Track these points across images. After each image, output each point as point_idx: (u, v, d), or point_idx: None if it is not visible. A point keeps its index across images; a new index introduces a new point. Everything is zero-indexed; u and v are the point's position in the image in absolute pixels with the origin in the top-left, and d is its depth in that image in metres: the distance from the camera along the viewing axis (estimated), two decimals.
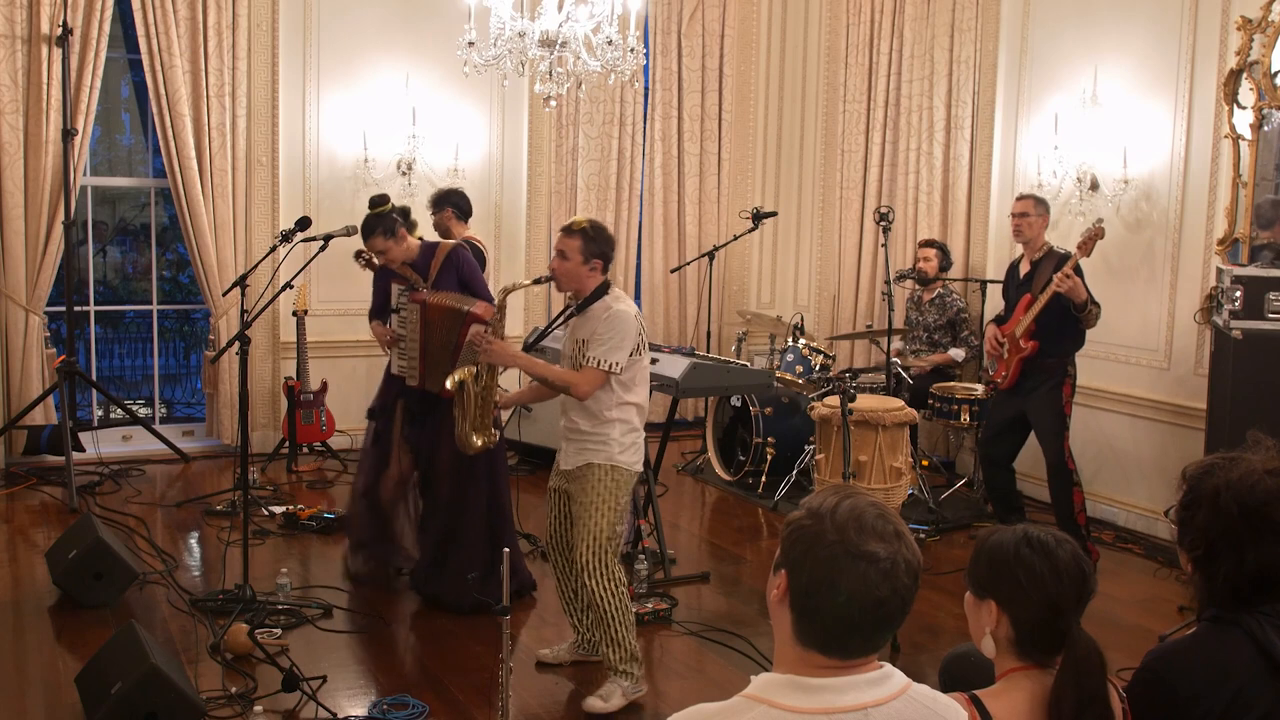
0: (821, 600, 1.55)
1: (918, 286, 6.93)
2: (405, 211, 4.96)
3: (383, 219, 4.70)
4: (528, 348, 4.26)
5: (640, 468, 3.95)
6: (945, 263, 6.84)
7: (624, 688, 3.84)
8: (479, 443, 4.13)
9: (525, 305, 7.89)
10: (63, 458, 6.12)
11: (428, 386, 4.71)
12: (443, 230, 6.11)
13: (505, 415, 4.28)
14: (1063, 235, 6.13)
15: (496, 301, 4.05)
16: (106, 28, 6.46)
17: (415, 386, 4.75)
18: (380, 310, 5.04)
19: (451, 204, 6.16)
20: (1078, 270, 5.15)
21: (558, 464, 4.02)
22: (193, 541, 5.54)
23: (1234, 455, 2.11)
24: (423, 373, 4.71)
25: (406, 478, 4.93)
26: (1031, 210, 5.47)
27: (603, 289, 3.87)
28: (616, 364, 3.75)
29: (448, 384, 4.10)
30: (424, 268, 4.78)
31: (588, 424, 3.84)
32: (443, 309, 4.64)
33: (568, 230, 3.86)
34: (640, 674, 3.89)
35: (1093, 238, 5.18)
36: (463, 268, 4.79)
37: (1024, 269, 5.56)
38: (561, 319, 4.09)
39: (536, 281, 4.18)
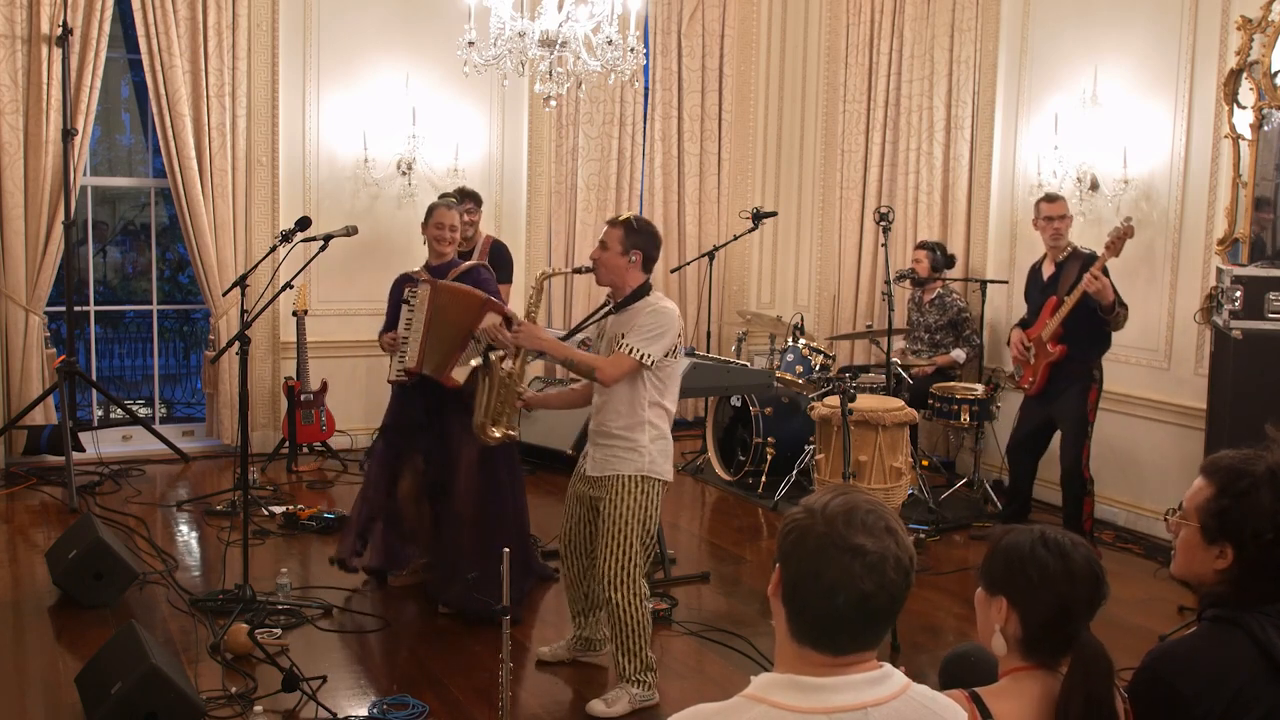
0: (807, 592, 1.55)
1: (915, 289, 6.92)
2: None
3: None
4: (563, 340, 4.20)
5: (670, 477, 3.86)
6: (939, 262, 6.79)
7: (633, 695, 3.80)
8: (497, 434, 4.05)
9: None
10: (63, 458, 6.11)
11: (424, 370, 4.63)
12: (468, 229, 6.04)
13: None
14: None
15: (535, 285, 3.98)
16: (106, 28, 6.46)
17: (412, 369, 4.63)
18: (391, 328, 4.92)
19: (479, 202, 6.13)
20: (1105, 272, 5.10)
21: (581, 469, 3.95)
22: (193, 541, 5.54)
23: (1257, 450, 2.10)
24: (421, 356, 4.62)
25: (419, 491, 4.84)
26: (1068, 211, 5.42)
27: (644, 290, 3.80)
28: (649, 356, 3.67)
29: (472, 361, 4.05)
30: (443, 272, 4.73)
31: (619, 424, 3.75)
32: (458, 292, 4.59)
33: (612, 221, 3.83)
34: (653, 682, 3.86)
35: (1121, 237, 5.08)
36: (481, 286, 4.69)
37: (1048, 271, 5.50)
38: (598, 316, 4.01)
39: (577, 270, 4.16)
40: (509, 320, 4.43)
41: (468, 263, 4.84)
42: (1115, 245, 5.09)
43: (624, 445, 3.76)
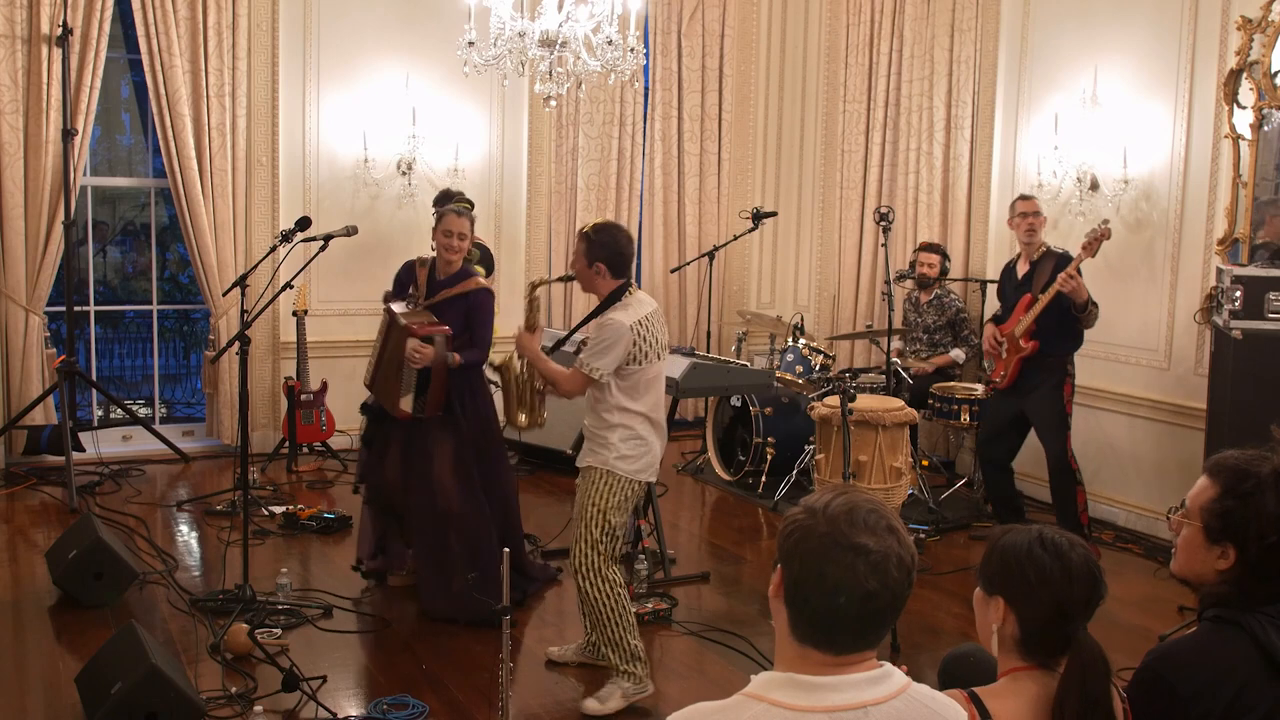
0: (810, 591, 1.55)
1: (918, 289, 6.92)
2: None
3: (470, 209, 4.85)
4: (551, 350, 4.27)
5: (644, 478, 3.90)
6: (945, 265, 6.84)
7: (624, 689, 3.83)
8: (524, 419, 4.25)
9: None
10: (63, 458, 6.11)
11: (373, 391, 4.78)
12: None
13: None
14: (1063, 235, 6.13)
15: (527, 295, 4.08)
16: (106, 28, 6.46)
17: (365, 383, 4.84)
18: (395, 297, 4.95)
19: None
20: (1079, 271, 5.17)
21: None
22: (193, 541, 5.54)
23: (1262, 451, 2.10)
24: (372, 378, 4.76)
25: (395, 482, 4.85)
26: (1042, 209, 5.55)
27: (617, 294, 3.85)
28: (596, 370, 3.76)
29: (495, 360, 4.22)
30: (439, 287, 4.69)
31: (593, 424, 3.90)
32: (402, 331, 4.54)
33: (579, 233, 3.93)
34: (645, 674, 3.88)
35: (1099, 239, 5.19)
36: (476, 311, 4.66)
37: (1022, 269, 5.59)
38: (584, 322, 4.13)
39: (562, 279, 4.24)
40: (430, 338, 4.51)
41: (466, 284, 4.67)
42: (1092, 246, 5.19)
43: (598, 442, 3.89)
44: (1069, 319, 5.28)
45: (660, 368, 3.93)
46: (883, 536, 1.55)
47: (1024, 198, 5.64)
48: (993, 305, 6.82)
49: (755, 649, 4.31)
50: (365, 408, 5.03)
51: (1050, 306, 5.26)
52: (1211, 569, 2.10)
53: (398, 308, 4.66)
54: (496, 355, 4.62)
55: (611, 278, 3.86)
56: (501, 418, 4.48)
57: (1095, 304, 5.26)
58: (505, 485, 4.87)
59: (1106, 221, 5.42)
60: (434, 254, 4.77)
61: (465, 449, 4.63)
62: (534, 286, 4.09)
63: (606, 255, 3.83)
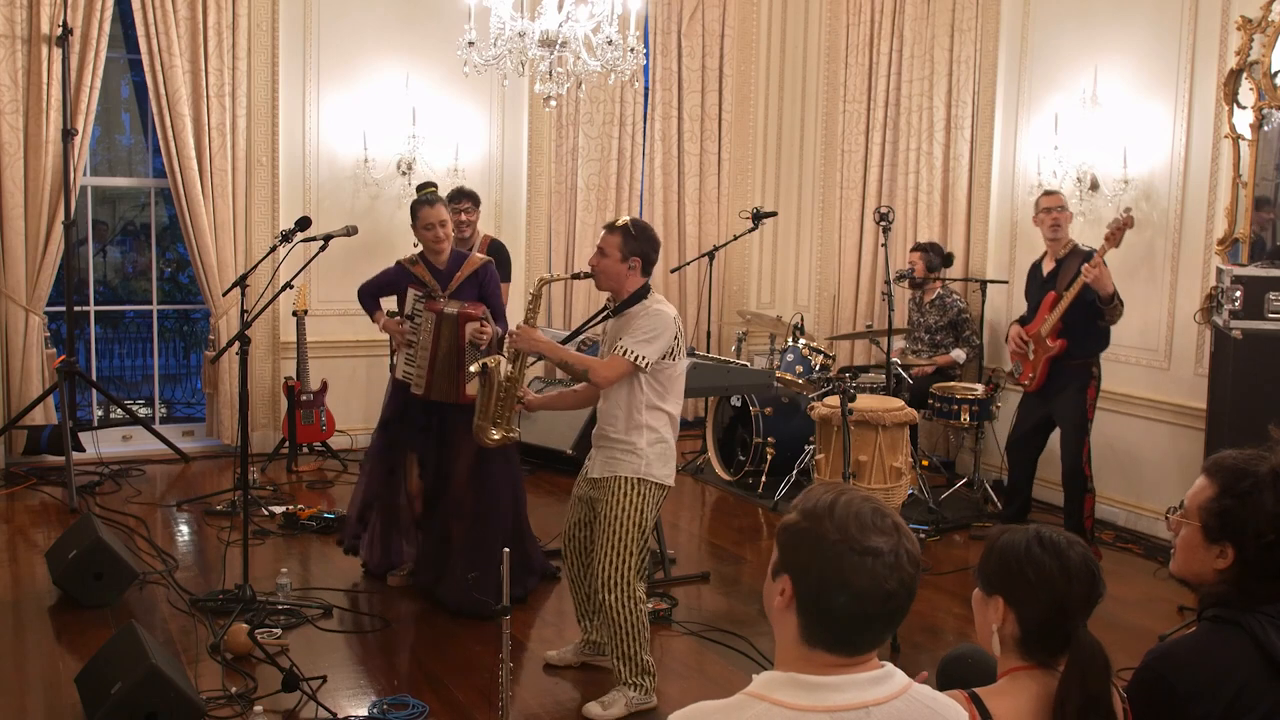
0: (833, 600, 1.55)
1: (913, 290, 6.92)
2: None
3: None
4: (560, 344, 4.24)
5: (670, 482, 3.86)
6: (934, 262, 6.77)
7: (630, 698, 3.79)
8: (497, 436, 4.10)
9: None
10: (63, 458, 6.11)
11: (432, 396, 4.70)
12: (465, 229, 6.01)
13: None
14: None
15: (533, 291, 4.02)
16: (106, 28, 6.46)
17: (420, 396, 4.73)
18: (376, 292, 4.98)
19: (478, 202, 6.11)
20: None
21: (585, 471, 3.96)
22: (193, 541, 5.54)
23: (1260, 450, 2.10)
24: (429, 382, 4.70)
25: (418, 489, 4.89)
26: (1067, 205, 5.48)
27: (643, 293, 3.80)
28: (643, 358, 3.68)
29: (471, 368, 4.12)
30: (448, 275, 4.75)
31: (616, 429, 3.78)
32: (452, 320, 4.63)
33: (609, 227, 3.82)
34: (651, 686, 3.84)
35: (1121, 228, 5.11)
36: (487, 284, 4.78)
37: (1047, 267, 5.53)
38: (596, 320, 4.03)
39: (575, 276, 4.18)
40: (485, 319, 4.61)
41: (472, 260, 4.80)
42: (1115, 235, 5.13)
43: (622, 448, 3.77)
44: (1096, 314, 5.22)
45: (684, 366, 3.88)
46: (891, 535, 1.56)
47: (1048, 193, 5.55)
48: (993, 305, 6.83)
49: (755, 649, 4.31)
50: (386, 425, 4.96)
51: (1076, 304, 5.19)
52: (1210, 569, 2.10)
53: (445, 307, 4.67)
54: (454, 387, 4.62)
55: (640, 274, 3.80)
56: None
57: (1121, 300, 5.20)
58: (516, 476, 4.88)
59: (1129, 210, 5.31)
60: (418, 250, 4.83)
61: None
62: (543, 282, 4.02)
63: (643, 251, 3.77)
